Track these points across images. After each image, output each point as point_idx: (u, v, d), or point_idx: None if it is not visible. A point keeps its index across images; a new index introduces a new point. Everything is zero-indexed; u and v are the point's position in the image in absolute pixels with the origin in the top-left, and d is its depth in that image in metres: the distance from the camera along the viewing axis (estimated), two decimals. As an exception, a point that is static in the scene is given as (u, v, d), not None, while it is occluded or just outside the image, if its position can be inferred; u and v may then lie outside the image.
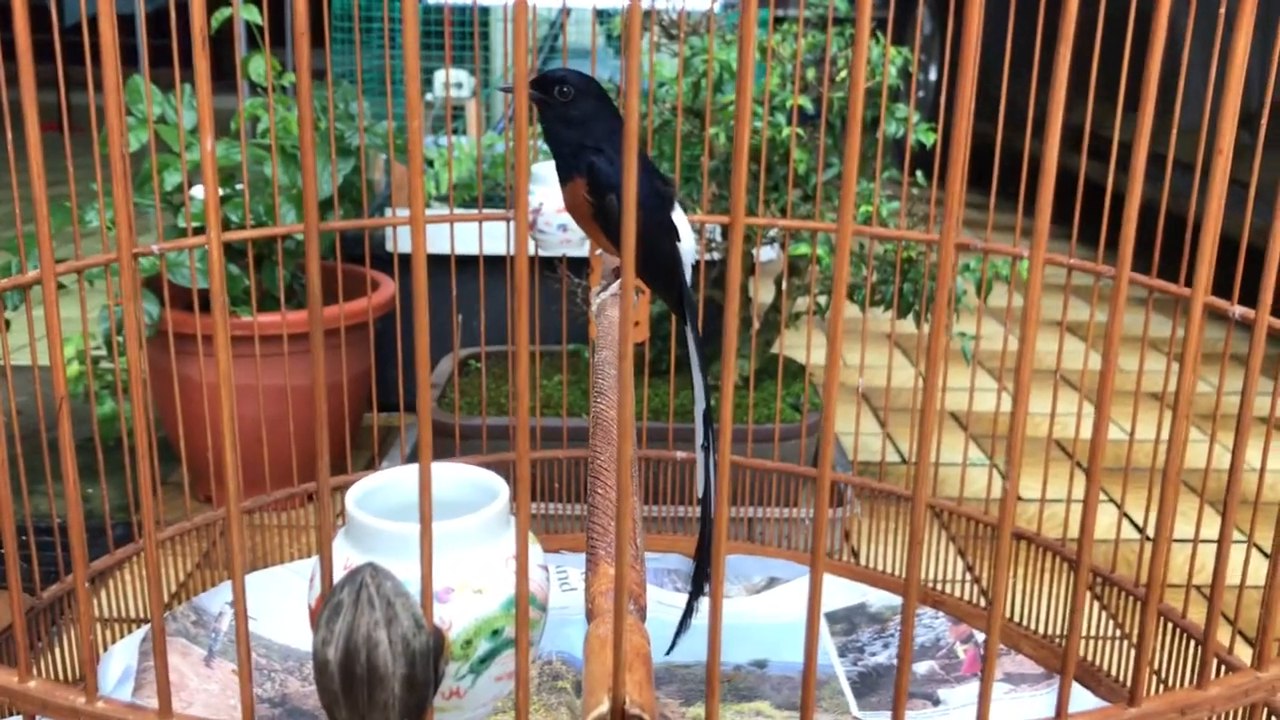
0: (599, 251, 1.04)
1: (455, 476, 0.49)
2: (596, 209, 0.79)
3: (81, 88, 0.88)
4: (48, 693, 0.43)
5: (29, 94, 0.37)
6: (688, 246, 0.84)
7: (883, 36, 1.19)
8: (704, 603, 1.07)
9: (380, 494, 0.48)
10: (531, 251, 1.14)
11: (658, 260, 0.82)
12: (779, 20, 1.24)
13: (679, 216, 0.84)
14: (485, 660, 0.43)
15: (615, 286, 0.86)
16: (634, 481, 0.61)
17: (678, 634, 0.87)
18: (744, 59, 0.32)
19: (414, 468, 0.48)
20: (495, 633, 0.43)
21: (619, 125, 0.79)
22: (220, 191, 1.24)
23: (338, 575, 0.41)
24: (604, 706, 0.37)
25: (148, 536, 0.41)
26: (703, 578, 0.86)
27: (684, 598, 1.08)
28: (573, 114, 0.79)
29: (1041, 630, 1.02)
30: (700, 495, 0.83)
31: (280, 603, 1.02)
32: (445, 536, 0.42)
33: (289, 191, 1.25)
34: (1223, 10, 0.82)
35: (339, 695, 0.37)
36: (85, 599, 0.43)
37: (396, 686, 0.36)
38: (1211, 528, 1.25)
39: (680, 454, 1.17)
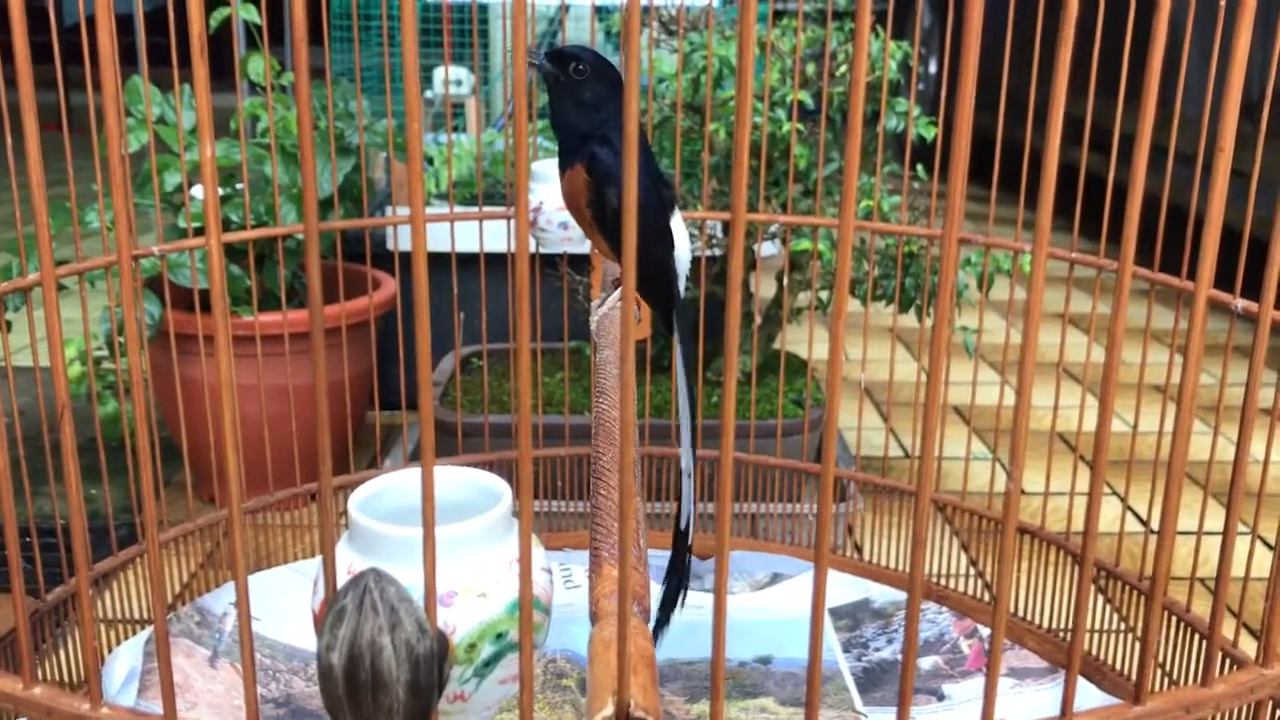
0: (600, 249, 1.04)
1: (458, 479, 0.49)
2: (594, 201, 0.75)
3: (81, 88, 0.87)
4: (52, 699, 0.43)
5: (27, 98, 0.37)
6: (683, 255, 0.80)
7: (882, 30, 1.18)
8: (708, 598, 1.06)
9: (383, 498, 0.48)
10: (532, 249, 1.14)
11: (650, 268, 0.79)
12: (778, 15, 1.24)
13: (677, 223, 0.80)
14: (489, 664, 0.43)
15: (612, 300, 0.84)
16: (636, 482, 0.61)
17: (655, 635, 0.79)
18: (744, 55, 0.32)
19: (416, 470, 0.48)
20: (499, 636, 0.43)
21: None
22: (220, 191, 1.24)
23: (341, 580, 0.41)
24: (608, 710, 0.37)
25: (150, 540, 0.41)
26: (670, 605, 0.79)
27: (692, 595, 1.08)
28: (584, 95, 0.75)
29: (1045, 624, 1.02)
30: (682, 526, 0.77)
31: (284, 603, 1.02)
32: (448, 540, 0.42)
33: (289, 191, 1.25)
34: (1223, 1, 0.81)
35: (343, 701, 0.37)
36: (87, 606, 0.42)
37: (401, 692, 0.36)
38: (1214, 520, 1.25)
39: (683, 450, 1.16)
